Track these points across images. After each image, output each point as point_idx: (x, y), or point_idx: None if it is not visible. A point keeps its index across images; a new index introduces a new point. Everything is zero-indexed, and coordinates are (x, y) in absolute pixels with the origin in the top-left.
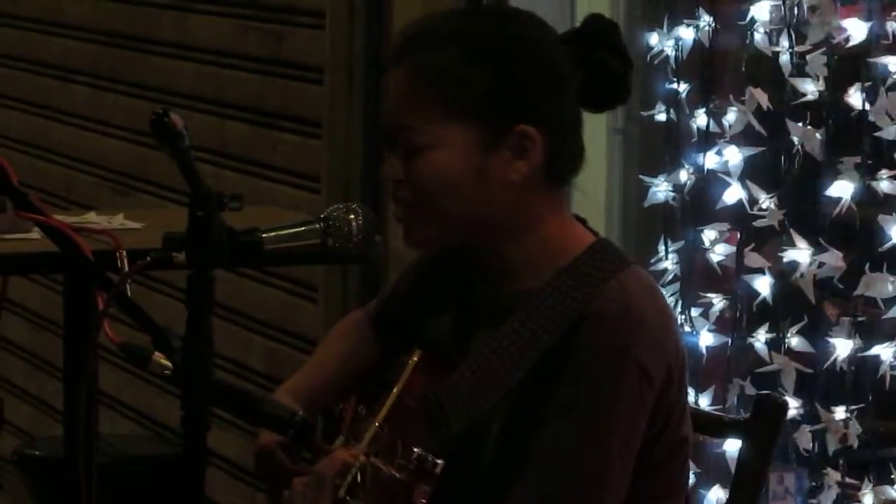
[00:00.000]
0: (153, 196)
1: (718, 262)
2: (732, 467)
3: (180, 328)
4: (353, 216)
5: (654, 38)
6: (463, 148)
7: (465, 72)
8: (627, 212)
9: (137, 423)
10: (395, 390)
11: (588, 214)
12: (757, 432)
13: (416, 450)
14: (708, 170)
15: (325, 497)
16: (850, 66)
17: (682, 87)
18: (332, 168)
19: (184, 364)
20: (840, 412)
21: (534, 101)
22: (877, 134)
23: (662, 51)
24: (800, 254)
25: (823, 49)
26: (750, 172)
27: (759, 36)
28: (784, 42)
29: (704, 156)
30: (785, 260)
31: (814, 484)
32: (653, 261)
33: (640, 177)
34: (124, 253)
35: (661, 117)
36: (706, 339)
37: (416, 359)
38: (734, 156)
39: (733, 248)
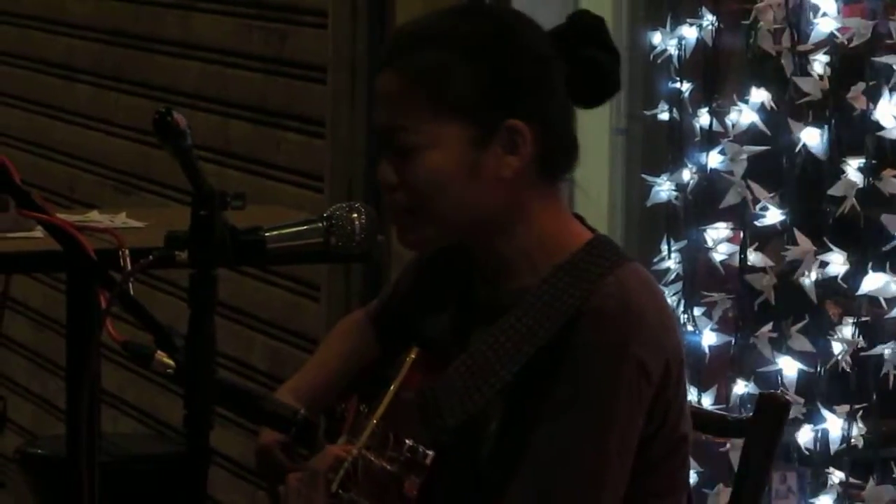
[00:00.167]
0: (156, 195)
1: (721, 262)
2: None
3: (183, 327)
4: (355, 215)
5: (657, 38)
6: (455, 146)
7: (453, 69)
8: (630, 211)
9: (140, 421)
10: (392, 387)
11: (591, 214)
12: (759, 432)
13: (407, 441)
14: (711, 169)
15: (319, 491)
16: (853, 65)
17: (685, 87)
18: (336, 167)
19: (186, 363)
20: (843, 412)
21: (522, 96)
22: (880, 133)
23: (665, 50)
24: (803, 253)
25: (827, 48)
26: (753, 172)
27: (762, 35)
28: (787, 41)
29: (707, 155)
30: (787, 259)
31: (816, 483)
32: (656, 260)
33: (643, 176)
34: (127, 252)
35: (664, 116)
36: (709, 338)
37: (413, 356)
38: (737, 155)
39: (736, 248)
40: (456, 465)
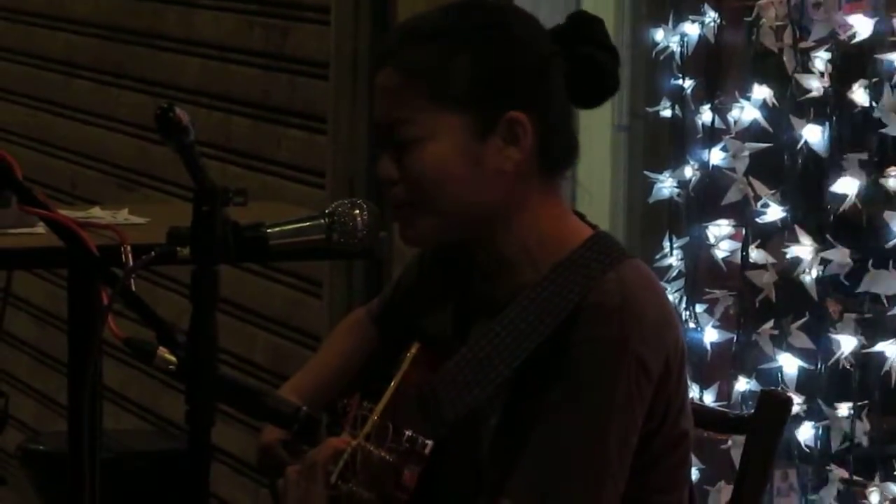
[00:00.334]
0: (158, 191)
1: (723, 259)
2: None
3: (185, 323)
4: (357, 211)
5: (659, 35)
6: (455, 137)
7: (453, 62)
8: (632, 208)
9: (142, 418)
10: (393, 383)
11: (593, 211)
12: (761, 429)
13: (406, 432)
14: (713, 166)
15: (318, 483)
16: (855, 62)
17: (688, 84)
18: (337, 163)
19: (188, 359)
20: (844, 409)
21: (522, 87)
22: (882, 130)
23: (668, 47)
24: (804, 250)
25: (828, 45)
26: (755, 169)
27: (764, 32)
28: (788, 38)
29: (709, 152)
30: (789, 256)
31: (817, 480)
32: (658, 257)
33: (645, 173)
34: (129, 248)
35: (667, 113)
36: (711, 335)
37: (414, 351)
38: (739, 152)
39: (738, 245)
40: (456, 459)
